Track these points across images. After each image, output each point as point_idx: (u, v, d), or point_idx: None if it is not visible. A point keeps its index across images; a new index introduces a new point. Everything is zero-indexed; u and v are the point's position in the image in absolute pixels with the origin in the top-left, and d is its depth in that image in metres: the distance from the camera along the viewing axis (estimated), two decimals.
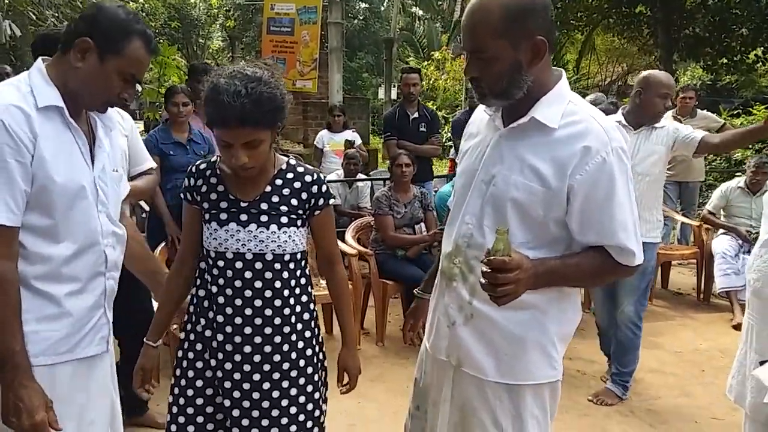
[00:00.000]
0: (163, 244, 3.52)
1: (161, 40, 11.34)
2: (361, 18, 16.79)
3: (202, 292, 1.64)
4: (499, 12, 1.28)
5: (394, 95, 13.40)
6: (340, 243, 4.05)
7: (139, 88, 6.30)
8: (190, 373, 1.65)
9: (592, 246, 1.39)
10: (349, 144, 5.69)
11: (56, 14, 7.53)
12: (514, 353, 1.43)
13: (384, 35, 15.87)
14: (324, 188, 1.66)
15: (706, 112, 5.85)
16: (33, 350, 1.37)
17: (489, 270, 1.25)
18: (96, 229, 1.48)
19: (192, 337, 1.66)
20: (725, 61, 10.60)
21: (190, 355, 1.65)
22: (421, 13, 19.87)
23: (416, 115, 4.96)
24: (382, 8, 20.15)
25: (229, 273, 1.57)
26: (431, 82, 15.22)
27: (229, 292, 1.58)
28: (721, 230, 4.84)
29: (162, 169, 3.47)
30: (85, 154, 1.47)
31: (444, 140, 9.25)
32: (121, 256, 1.61)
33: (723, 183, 5.18)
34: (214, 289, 1.59)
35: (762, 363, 1.66)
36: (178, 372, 1.67)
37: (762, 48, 9.90)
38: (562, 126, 1.33)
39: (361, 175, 5.45)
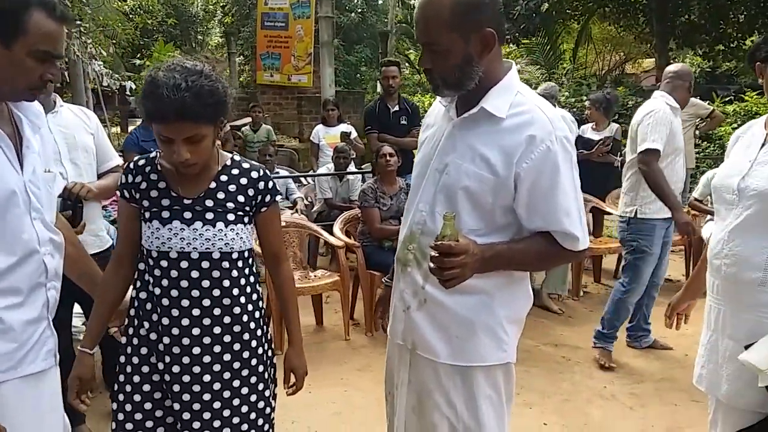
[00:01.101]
0: None
1: (158, 37, 11.36)
2: (358, 11, 16.74)
3: (143, 294, 1.56)
4: (450, 6, 1.32)
5: None
6: (327, 235, 4.13)
7: (132, 85, 6.35)
8: (136, 378, 1.58)
9: (539, 232, 1.43)
10: (345, 136, 5.72)
11: None
12: (465, 336, 1.48)
13: (382, 28, 15.83)
14: (271, 185, 1.62)
15: (695, 99, 5.85)
16: None
17: (437, 254, 1.31)
18: (32, 238, 1.36)
19: (135, 341, 1.59)
20: (722, 48, 10.57)
21: (135, 359, 1.58)
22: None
23: (397, 108, 4.96)
24: (380, 1, 20.10)
25: (174, 273, 1.51)
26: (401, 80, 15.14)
27: (174, 293, 1.52)
28: (709, 216, 4.87)
29: None
30: (11, 157, 1.34)
31: None
32: (61, 263, 1.50)
33: (710, 170, 5.21)
34: (157, 290, 1.52)
35: (747, 347, 1.65)
36: (122, 378, 1.60)
37: (758, 34, 9.87)
38: (510, 116, 1.38)
39: (351, 168, 5.50)
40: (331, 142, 5.96)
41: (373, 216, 4.08)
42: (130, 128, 9.12)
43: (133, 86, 6.38)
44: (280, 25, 9.95)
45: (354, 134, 6.04)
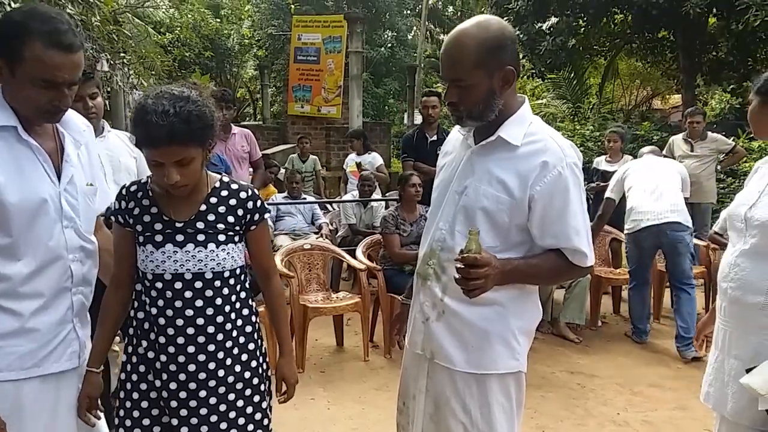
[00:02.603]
0: None
1: (195, 69, 11.82)
2: (388, 46, 17.18)
3: (141, 314, 1.61)
4: (477, 46, 1.49)
5: (417, 121, 13.67)
6: (350, 258, 4.28)
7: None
8: (135, 395, 1.63)
9: (550, 249, 1.58)
10: (359, 166, 5.92)
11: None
12: (480, 345, 1.61)
13: (410, 62, 16.20)
14: (259, 203, 1.66)
15: (717, 135, 5.91)
16: None
17: (462, 266, 1.46)
18: (59, 245, 1.46)
19: (134, 359, 1.64)
20: (749, 84, 10.51)
21: (134, 377, 1.63)
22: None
23: (434, 138, 4.96)
24: (409, 36, 20.57)
25: (169, 294, 1.56)
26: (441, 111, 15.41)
27: (169, 312, 1.56)
28: None
29: None
30: (48, 169, 1.46)
31: None
32: (92, 270, 1.60)
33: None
34: (154, 310, 1.57)
35: (748, 371, 1.71)
36: (122, 394, 1.65)
37: None
38: (524, 144, 1.55)
39: (375, 196, 5.68)
40: (353, 170, 6.17)
41: (394, 241, 4.22)
42: None
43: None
44: (312, 59, 10.33)
45: (378, 163, 6.22)
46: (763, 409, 1.63)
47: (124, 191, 1.64)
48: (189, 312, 1.57)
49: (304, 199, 5.77)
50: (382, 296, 4.09)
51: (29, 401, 1.45)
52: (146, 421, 1.63)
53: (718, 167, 6.05)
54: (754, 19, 7.17)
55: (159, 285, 1.57)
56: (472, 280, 1.46)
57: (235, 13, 14.74)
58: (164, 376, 1.59)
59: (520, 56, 12.10)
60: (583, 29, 10.65)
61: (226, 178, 1.69)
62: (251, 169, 4.74)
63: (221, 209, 1.62)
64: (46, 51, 1.33)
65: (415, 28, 19.96)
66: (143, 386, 1.63)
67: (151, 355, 1.60)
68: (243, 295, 1.68)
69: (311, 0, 12.82)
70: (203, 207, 1.60)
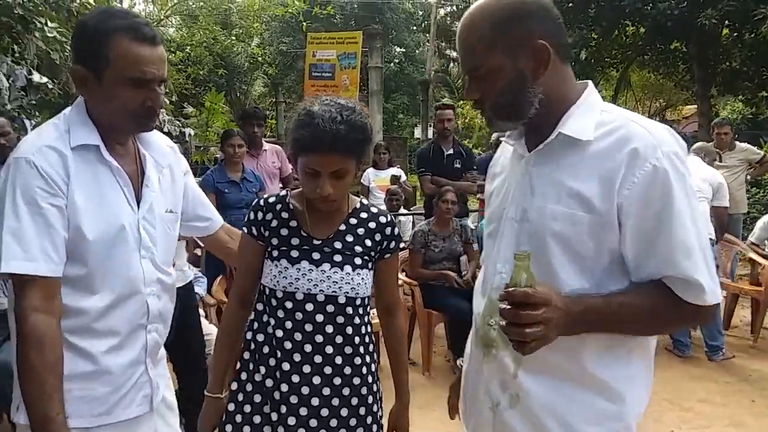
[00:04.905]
0: (221, 276, 3.73)
1: (210, 87, 11.88)
2: (396, 62, 17.29)
3: (260, 337, 1.50)
4: (487, 20, 1.13)
5: (430, 134, 13.71)
6: None
7: (191, 131, 6.66)
8: (246, 429, 1.49)
9: (651, 281, 1.10)
10: (395, 179, 5.88)
11: None
12: None
13: (418, 77, 16.30)
14: (396, 231, 1.59)
15: (746, 145, 5.85)
16: (65, 411, 1.21)
17: (508, 306, 1.00)
18: (137, 277, 1.34)
19: (249, 387, 1.50)
20: (764, 94, 10.51)
21: (247, 408, 1.49)
22: (455, 55, 20.33)
23: (451, 151, 4.92)
24: (417, 52, 20.73)
25: (299, 315, 1.45)
26: (467, 120, 15.49)
27: (297, 336, 1.45)
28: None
29: (217, 206, 3.72)
30: (128, 193, 1.34)
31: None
32: (168, 305, 1.47)
33: (766, 215, 5.16)
34: (279, 333, 1.46)
35: None
36: (229, 428, 1.51)
37: None
38: (598, 137, 1.11)
39: (403, 210, 5.63)
40: (380, 184, 6.13)
41: (416, 260, 4.15)
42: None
43: (192, 132, 6.70)
44: (327, 75, 10.35)
45: (404, 177, 6.19)
46: None
47: (261, 202, 1.56)
48: (318, 338, 1.45)
49: None
50: (419, 311, 4.02)
51: None
52: None
53: (747, 177, 5.99)
54: (767, 30, 7.17)
55: (289, 305, 1.46)
56: (523, 326, 0.99)
57: (245, 32, 14.85)
58: (283, 409, 1.45)
59: None
60: (594, 42, 10.68)
61: (364, 201, 1.62)
62: (281, 185, 4.73)
63: (360, 231, 1.54)
64: (132, 46, 1.24)
65: (423, 43, 20.11)
66: (257, 419, 1.49)
67: (269, 383, 1.47)
68: (369, 328, 1.56)
69: (321, 18, 12.93)
70: (342, 227, 1.53)
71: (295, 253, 1.48)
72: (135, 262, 1.34)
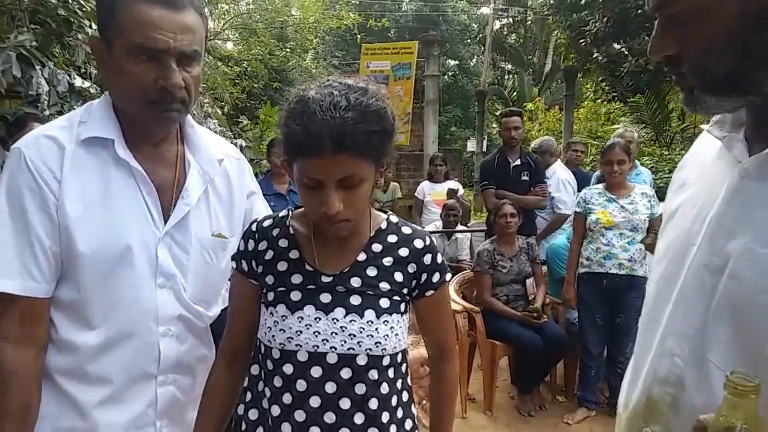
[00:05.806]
0: None
1: (266, 100, 11.96)
2: (450, 74, 17.02)
3: (253, 414, 1.10)
4: None
5: (485, 147, 13.31)
6: None
7: (242, 143, 6.55)
8: None
9: None
10: (452, 193, 5.52)
11: None
12: None
13: (472, 89, 15.99)
14: (440, 259, 1.15)
15: None
16: None
17: None
18: (146, 311, 1.08)
19: None
20: None
21: None
22: (510, 67, 19.93)
23: (518, 162, 4.48)
24: (471, 64, 20.41)
25: (301, 385, 1.04)
26: (524, 132, 15.07)
27: (299, 416, 1.04)
28: None
29: None
30: (152, 205, 1.09)
31: None
32: (195, 352, 1.18)
33: None
34: (275, 410, 1.06)
35: None
36: None
37: None
38: None
39: (460, 227, 5.25)
40: (436, 198, 5.77)
41: (485, 283, 3.73)
42: None
43: (244, 144, 6.57)
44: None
45: (461, 191, 5.82)
46: None
47: (254, 227, 1.15)
48: (330, 417, 1.03)
49: None
50: (482, 342, 3.60)
51: None
52: None
53: None
54: None
55: (287, 369, 1.05)
56: None
57: (300, 45, 14.92)
58: None
59: (599, 79, 11.68)
60: None
61: (394, 218, 1.18)
62: None
63: (387, 261, 1.11)
64: (141, 5, 1.00)
65: (477, 55, 19.79)
66: None
67: None
68: (405, 397, 1.13)
69: (376, 31, 12.80)
70: (362, 256, 1.10)
71: (296, 296, 1.07)
72: (146, 292, 1.08)
